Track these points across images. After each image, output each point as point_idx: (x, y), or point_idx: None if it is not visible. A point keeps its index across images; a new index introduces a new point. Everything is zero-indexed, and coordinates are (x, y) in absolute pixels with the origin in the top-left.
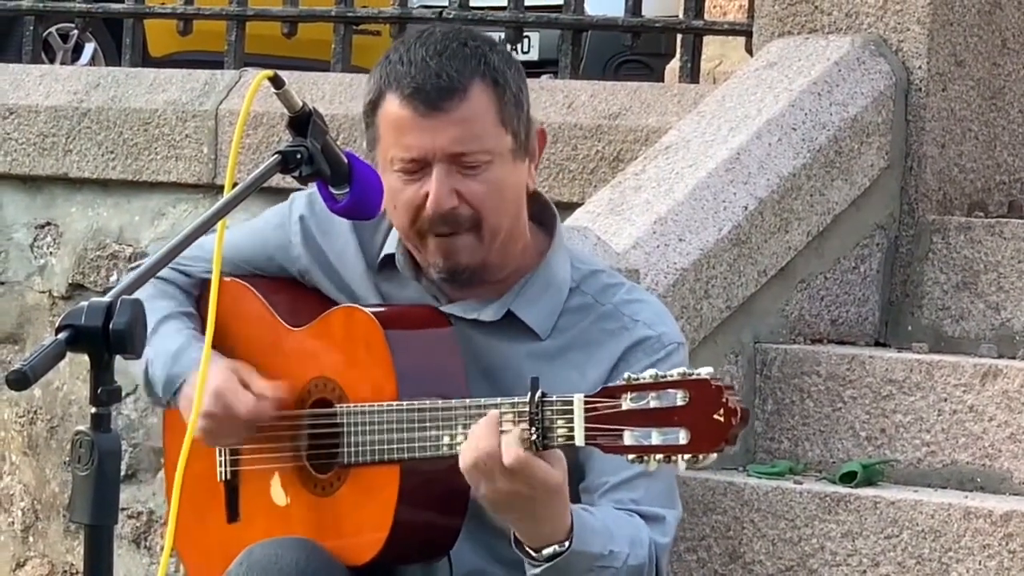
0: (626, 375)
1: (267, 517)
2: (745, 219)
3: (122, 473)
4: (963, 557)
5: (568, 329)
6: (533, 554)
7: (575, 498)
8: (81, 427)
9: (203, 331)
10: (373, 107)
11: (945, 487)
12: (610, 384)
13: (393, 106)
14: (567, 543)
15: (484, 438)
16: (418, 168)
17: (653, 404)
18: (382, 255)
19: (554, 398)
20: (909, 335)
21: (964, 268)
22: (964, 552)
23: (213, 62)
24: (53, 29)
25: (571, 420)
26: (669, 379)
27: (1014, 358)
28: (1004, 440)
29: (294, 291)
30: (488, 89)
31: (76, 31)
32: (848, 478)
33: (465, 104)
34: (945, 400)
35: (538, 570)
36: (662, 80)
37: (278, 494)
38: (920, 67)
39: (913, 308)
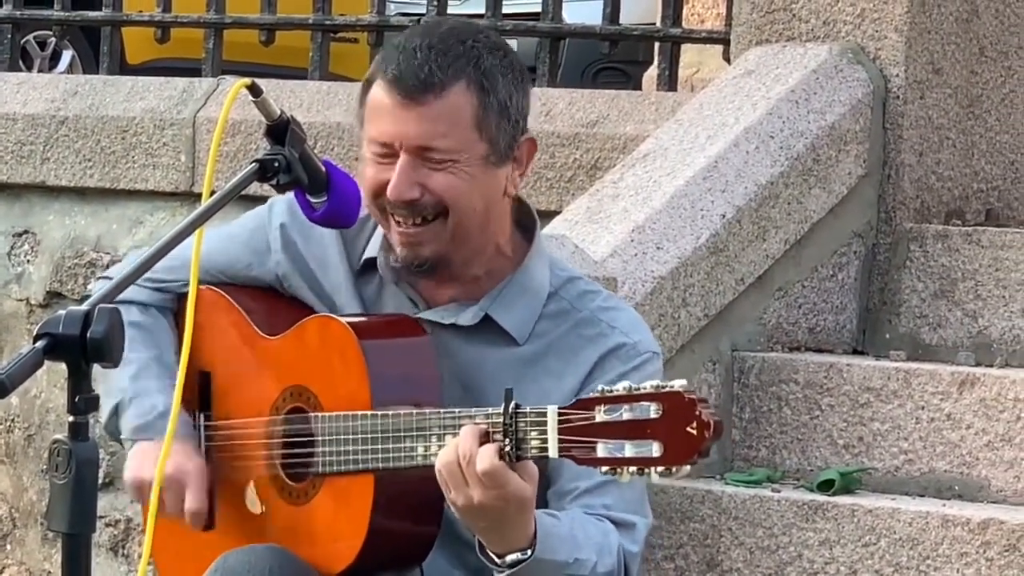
0: (600, 387)
1: (242, 525)
2: (723, 227)
3: (100, 481)
4: (941, 565)
5: (545, 335)
6: (497, 560)
7: (543, 503)
8: (59, 435)
9: (175, 357)
10: (366, 87)
11: (923, 495)
12: (584, 396)
13: (378, 89)
14: (529, 550)
15: (463, 442)
16: (389, 153)
17: (626, 416)
18: (364, 258)
19: (528, 409)
20: (887, 343)
21: (942, 276)
22: (942, 560)
23: (191, 70)
24: (31, 37)
25: (544, 432)
26: (643, 391)
27: (991, 366)
28: (981, 448)
29: (270, 299)
30: (470, 92)
31: (54, 39)
32: (826, 486)
33: (440, 101)
34: (923, 408)
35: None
36: (639, 88)
37: (253, 502)
38: (898, 75)
39: (891, 316)
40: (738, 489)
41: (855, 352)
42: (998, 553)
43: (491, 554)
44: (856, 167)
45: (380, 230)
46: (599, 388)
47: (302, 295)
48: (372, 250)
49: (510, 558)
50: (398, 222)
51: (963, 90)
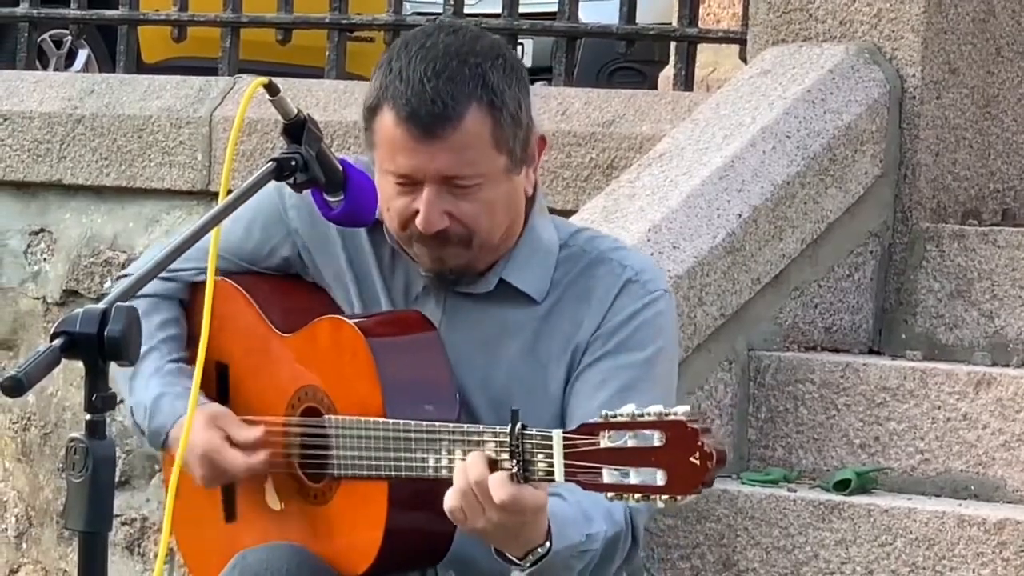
0: (603, 412)
1: (263, 520)
2: (739, 227)
3: (116, 480)
4: (957, 565)
5: (560, 281)
6: (518, 561)
7: None
8: (75, 434)
9: (188, 348)
10: (372, 113)
11: (939, 495)
12: (588, 422)
13: (388, 122)
14: (548, 543)
15: (472, 471)
16: (410, 183)
17: (631, 444)
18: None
19: (533, 431)
20: (903, 343)
21: (958, 276)
22: (958, 560)
23: (207, 69)
24: (47, 35)
25: (551, 455)
26: (646, 419)
27: (1008, 366)
28: (998, 448)
29: (285, 291)
30: (484, 113)
31: (70, 37)
32: (842, 486)
33: (459, 131)
34: (939, 408)
35: (524, 574)
36: (655, 87)
37: (273, 499)
38: (914, 75)
39: (907, 316)
40: (754, 489)
41: (871, 352)
42: (1014, 553)
43: (510, 557)
44: (872, 167)
45: None
46: (603, 413)
47: (314, 269)
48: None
49: (531, 557)
50: (428, 247)
51: (980, 90)
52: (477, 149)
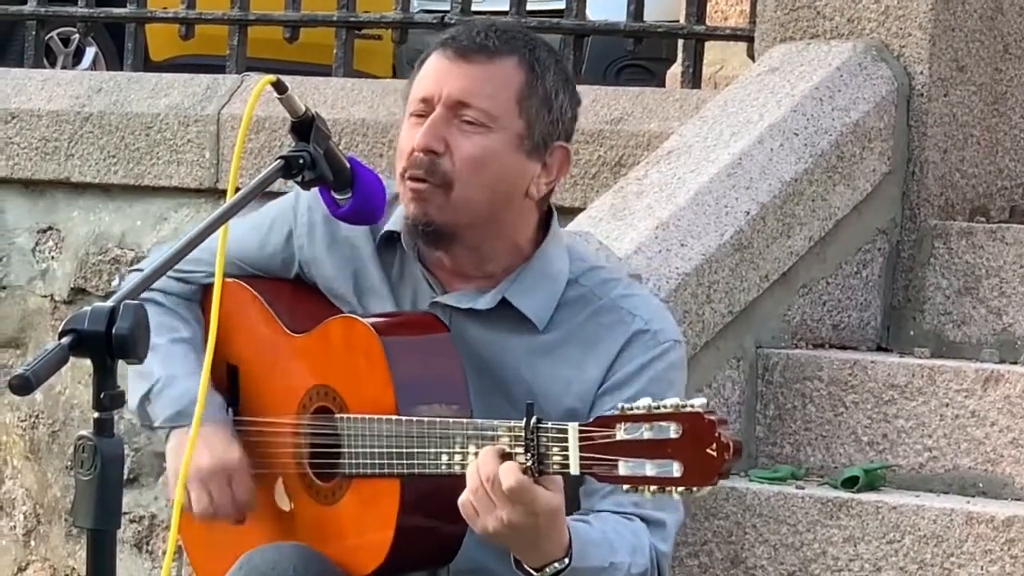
0: (620, 405)
1: (272, 521)
2: (747, 224)
3: (124, 477)
4: (965, 562)
5: (565, 322)
6: (535, 574)
7: (575, 502)
8: (84, 432)
9: (200, 351)
10: (418, 68)
11: (947, 492)
12: (604, 414)
13: (430, 58)
14: (567, 559)
15: (484, 466)
16: (426, 112)
17: (647, 436)
18: (384, 230)
19: (549, 425)
20: (911, 340)
21: (966, 273)
22: (966, 557)
23: (215, 67)
24: (54, 33)
25: (566, 448)
26: (662, 411)
27: (1016, 363)
28: (1006, 445)
29: (295, 293)
30: (521, 69)
31: (77, 35)
32: (850, 483)
33: (490, 66)
34: (947, 405)
35: None
36: (663, 85)
37: (282, 499)
38: (922, 72)
39: (915, 313)
40: (762, 486)
41: (879, 349)
42: (1022, 550)
43: (528, 568)
44: (880, 164)
45: (402, 206)
46: (619, 406)
47: (323, 280)
48: (394, 224)
49: (548, 570)
50: (411, 177)
51: (987, 87)
52: (499, 90)
